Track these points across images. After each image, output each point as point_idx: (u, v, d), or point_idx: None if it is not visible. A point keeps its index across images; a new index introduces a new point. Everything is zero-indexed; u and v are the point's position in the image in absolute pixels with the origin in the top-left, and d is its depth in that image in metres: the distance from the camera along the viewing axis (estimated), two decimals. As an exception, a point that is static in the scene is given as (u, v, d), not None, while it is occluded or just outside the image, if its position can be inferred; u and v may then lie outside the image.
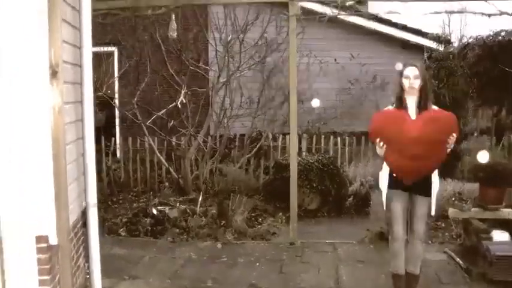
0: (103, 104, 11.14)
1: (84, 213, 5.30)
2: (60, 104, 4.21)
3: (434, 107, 5.08)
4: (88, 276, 5.42)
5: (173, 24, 7.59)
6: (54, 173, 4.16)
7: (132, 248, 7.01)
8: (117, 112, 11.30)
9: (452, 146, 4.92)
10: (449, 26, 11.73)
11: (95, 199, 5.25)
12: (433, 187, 5.15)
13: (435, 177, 5.17)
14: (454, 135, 4.83)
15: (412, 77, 4.95)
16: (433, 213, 5.19)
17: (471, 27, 12.37)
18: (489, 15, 7.18)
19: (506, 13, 7.21)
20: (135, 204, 8.51)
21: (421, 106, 4.96)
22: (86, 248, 5.36)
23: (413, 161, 4.91)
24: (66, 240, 4.32)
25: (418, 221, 5.18)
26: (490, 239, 6.68)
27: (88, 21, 5.07)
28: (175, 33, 7.67)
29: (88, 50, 5.10)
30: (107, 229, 7.56)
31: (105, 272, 5.61)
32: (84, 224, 5.32)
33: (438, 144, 4.88)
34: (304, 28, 8.67)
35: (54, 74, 4.14)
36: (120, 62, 11.76)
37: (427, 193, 5.12)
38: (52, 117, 4.14)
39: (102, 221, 7.36)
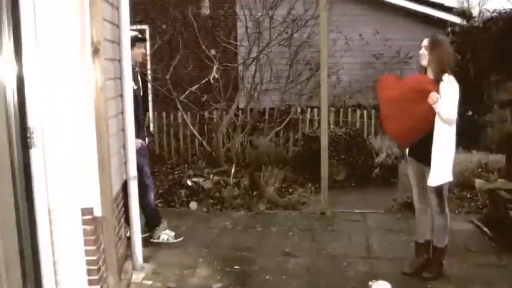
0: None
1: (124, 186, 5.26)
2: (102, 80, 4.11)
3: (446, 78, 4.74)
4: (128, 246, 5.40)
5: (206, 1, 7.43)
6: (98, 147, 4.07)
7: (169, 218, 6.89)
8: (149, 87, 11.21)
9: (434, 107, 4.64)
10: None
11: (135, 172, 5.20)
12: (434, 157, 4.79)
13: (437, 143, 4.76)
14: (432, 94, 4.62)
15: (423, 47, 4.86)
16: (429, 183, 4.86)
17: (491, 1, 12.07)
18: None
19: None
20: (170, 176, 8.43)
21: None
22: (127, 219, 5.33)
23: (388, 123, 5.10)
24: (110, 211, 4.25)
25: (428, 192, 4.99)
26: (517, 208, 6.54)
27: (126, 0, 4.97)
28: (208, 10, 7.52)
29: (126, 27, 5.02)
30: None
31: (144, 242, 5.60)
32: (125, 196, 5.29)
33: (406, 107, 4.79)
34: (332, 5, 8.47)
35: (96, 51, 4.03)
36: (151, 39, 11.67)
37: (429, 163, 4.84)
38: (94, 93, 4.04)
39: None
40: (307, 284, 5.02)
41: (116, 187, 4.95)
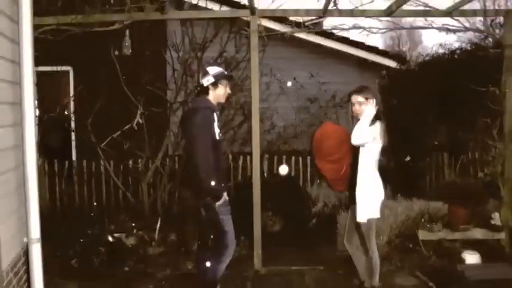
0: (59, 125, 10.40)
1: (26, 250, 4.53)
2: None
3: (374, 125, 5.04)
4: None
5: (127, 41, 6.87)
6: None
7: (85, 281, 6.19)
8: (73, 133, 10.44)
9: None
10: (398, 45, 11.45)
11: (38, 234, 4.46)
12: (358, 193, 5.07)
13: (360, 181, 5.07)
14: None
15: (355, 103, 5.16)
16: (358, 219, 5.11)
17: (424, 45, 12.09)
18: (454, 31, 6.73)
19: (471, 29, 6.79)
20: (89, 231, 7.61)
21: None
22: (30, 288, 4.59)
23: (321, 167, 5.64)
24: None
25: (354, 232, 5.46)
26: (463, 261, 6.19)
27: (28, 34, 4.34)
28: (130, 50, 6.94)
29: (29, 66, 4.37)
30: (58, 260, 6.73)
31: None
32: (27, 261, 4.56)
33: (331, 151, 5.46)
34: (265, 47, 8.07)
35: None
36: (75, 81, 10.99)
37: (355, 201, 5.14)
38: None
39: (53, 251, 6.58)
40: None
41: (14, 252, 4.25)
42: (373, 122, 5.02)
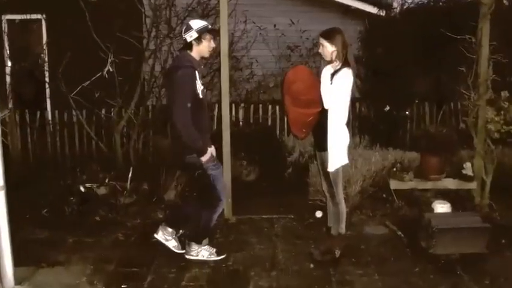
0: (32, 76, 10.38)
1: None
2: None
3: (342, 71, 5.13)
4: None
5: (92, -14, 6.80)
6: None
7: (55, 230, 6.32)
8: (47, 84, 10.39)
9: None
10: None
11: (2, 181, 4.58)
12: (329, 143, 5.16)
13: (330, 131, 5.15)
14: None
15: (320, 45, 5.25)
16: (328, 169, 5.23)
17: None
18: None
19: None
20: (61, 182, 7.68)
21: None
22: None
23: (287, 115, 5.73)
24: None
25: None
26: (432, 210, 6.33)
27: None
28: (96, -3, 6.88)
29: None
30: (29, 209, 6.84)
31: (22, 260, 5.04)
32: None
33: (293, 98, 5.30)
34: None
35: None
36: (47, 30, 10.88)
37: (324, 149, 5.23)
38: None
39: (24, 201, 6.75)
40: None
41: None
42: (340, 69, 5.10)
